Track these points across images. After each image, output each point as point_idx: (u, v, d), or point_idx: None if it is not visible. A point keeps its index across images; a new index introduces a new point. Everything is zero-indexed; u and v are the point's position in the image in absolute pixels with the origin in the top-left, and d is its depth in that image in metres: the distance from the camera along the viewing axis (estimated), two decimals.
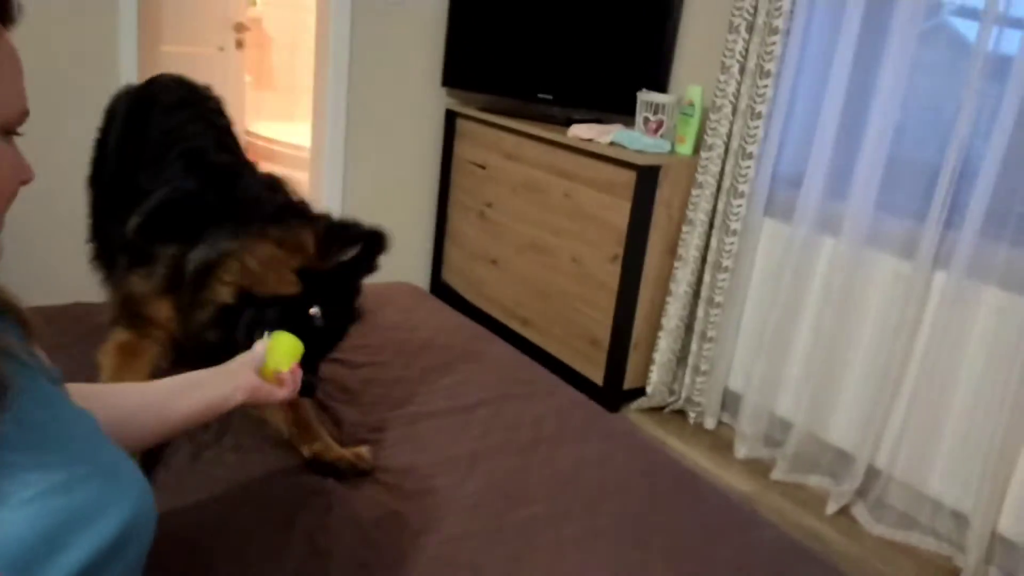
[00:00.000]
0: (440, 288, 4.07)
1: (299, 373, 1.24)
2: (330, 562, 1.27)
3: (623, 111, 3.21)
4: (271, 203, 1.48)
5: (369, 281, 1.44)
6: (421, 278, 4.12)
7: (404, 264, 4.05)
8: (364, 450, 1.56)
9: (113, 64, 3.14)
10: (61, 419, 0.77)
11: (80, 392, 0.99)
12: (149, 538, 0.80)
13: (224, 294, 1.33)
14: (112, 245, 1.63)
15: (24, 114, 0.76)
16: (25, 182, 0.78)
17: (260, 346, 1.23)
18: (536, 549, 1.36)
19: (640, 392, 3.18)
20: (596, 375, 3.13)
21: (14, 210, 0.78)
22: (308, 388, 1.29)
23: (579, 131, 3.14)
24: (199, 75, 1.96)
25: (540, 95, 3.53)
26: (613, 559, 1.37)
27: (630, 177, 2.90)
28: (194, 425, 1.13)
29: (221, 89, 1.96)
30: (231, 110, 1.93)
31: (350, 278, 1.43)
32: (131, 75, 3.10)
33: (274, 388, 1.18)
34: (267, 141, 4.79)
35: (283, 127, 5.00)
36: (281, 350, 1.22)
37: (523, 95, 3.61)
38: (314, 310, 1.34)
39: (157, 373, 1.43)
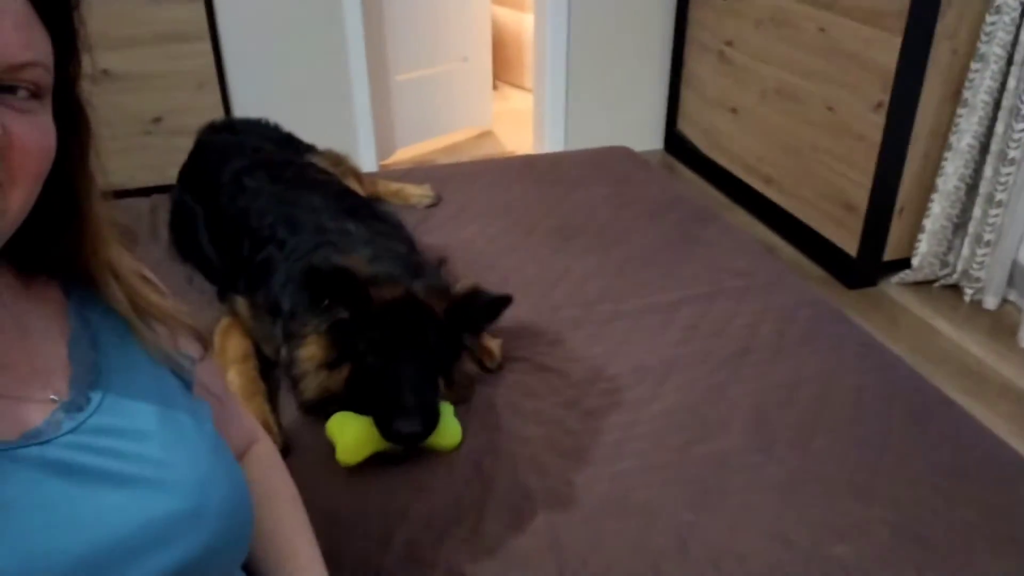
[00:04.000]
0: (675, 141, 3.72)
1: None
2: (491, 489, 1.17)
3: None
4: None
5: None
6: (655, 129, 3.79)
7: (635, 114, 3.74)
8: (495, 345, 1.44)
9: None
10: (152, 419, 0.69)
11: (260, 456, 0.94)
12: (237, 557, 0.73)
13: (332, 410, 1.29)
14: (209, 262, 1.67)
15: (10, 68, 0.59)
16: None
17: None
18: (725, 493, 1.16)
19: (904, 264, 2.72)
20: (850, 244, 2.71)
21: None
22: (407, 436, 1.17)
23: None
24: None
25: None
26: (821, 514, 1.12)
27: (903, 3, 2.34)
28: None
29: None
30: None
31: (370, 314, 1.27)
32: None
33: None
34: None
35: None
36: (340, 439, 1.19)
37: None
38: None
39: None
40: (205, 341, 0.80)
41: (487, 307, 1.32)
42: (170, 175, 1.90)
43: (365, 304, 1.24)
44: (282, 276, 1.39)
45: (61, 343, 0.68)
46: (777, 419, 1.30)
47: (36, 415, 0.63)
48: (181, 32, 2.96)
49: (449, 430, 1.23)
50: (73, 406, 0.64)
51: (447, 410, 1.25)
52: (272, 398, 1.35)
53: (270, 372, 1.40)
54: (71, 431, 0.63)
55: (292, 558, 0.87)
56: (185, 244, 1.72)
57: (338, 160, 1.92)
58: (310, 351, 1.28)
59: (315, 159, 1.85)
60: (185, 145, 1.84)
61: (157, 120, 3.05)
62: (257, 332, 1.43)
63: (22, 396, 0.63)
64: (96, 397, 0.66)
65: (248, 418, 0.97)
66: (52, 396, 0.64)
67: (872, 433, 1.27)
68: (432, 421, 1.19)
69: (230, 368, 1.36)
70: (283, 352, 1.33)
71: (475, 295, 1.32)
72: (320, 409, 1.27)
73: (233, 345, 1.41)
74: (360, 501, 1.14)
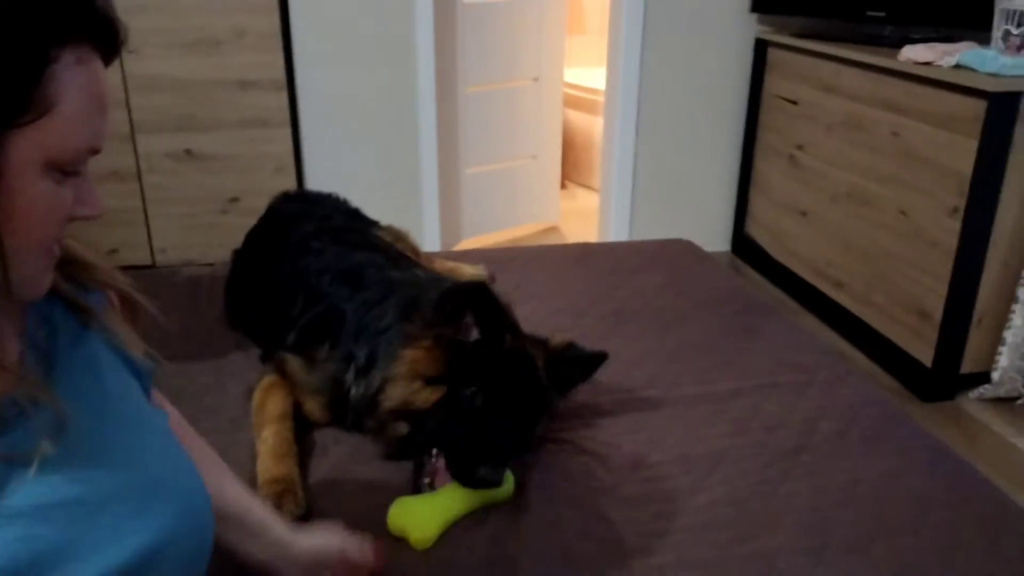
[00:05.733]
0: (743, 243, 3.67)
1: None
2: (515, 574, 1.09)
3: (975, 26, 2.55)
4: (395, 298, 1.40)
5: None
6: (722, 231, 3.75)
7: (703, 216, 3.71)
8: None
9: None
10: (106, 419, 0.67)
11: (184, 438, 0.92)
12: (196, 554, 0.69)
13: (400, 429, 1.26)
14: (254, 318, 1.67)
15: (92, 152, 0.65)
16: (86, 217, 0.67)
17: (352, 549, 1.03)
18: None
19: (983, 378, 2.56)
20: (924, 354, 2.57)
21: None
22: (486, 483, 1.15)
23: (914, 53, 2.55)
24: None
25: (869, 12, 2.95)
26: None
27: (978, 108, 2.28)
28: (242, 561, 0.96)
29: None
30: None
31: (491, 347, 1.26)
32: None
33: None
34: (575, 89, 4.66)
35: (592, 72, 4.84)
36: (412, 524, 1.13)
37: (849, 15, 3.06)
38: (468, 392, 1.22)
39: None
40: (137, 305, 0.80)
41: (583, 363, 1.33)
42: None
43: (498, 332, 1.23)
44: (352, 327, 1.38)
45: (13, 337, 0.68)
46: (832, 521, 1.20)
47: None
48: (264, 118, 3.10)
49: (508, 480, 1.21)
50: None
51: None
52: (303, 462, 1.31)
53: (302, 436, 1.37)
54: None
55: (249, 511, 0.94)
56: (239, 306, 1.74)
57: (399, 236, 1.95)
58: (416, 354, 1.23)
59: (379, 232, 1.88)
60: None
61: (234, 200, 3.16)
62: (309, 386, 1.41)
63: None
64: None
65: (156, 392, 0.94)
66: None
67: (938, 543, 1.15)
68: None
69: (267, 426, 1.34)
70: (355, 389, 1.30)
71: (571, 349, 1.33)
72: (392, 427, 1.25)
73: (273, 403, 1.39)
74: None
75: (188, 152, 3.05)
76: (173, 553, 0.66)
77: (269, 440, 1.30)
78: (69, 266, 0.73)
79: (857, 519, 1.20)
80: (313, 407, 1.40)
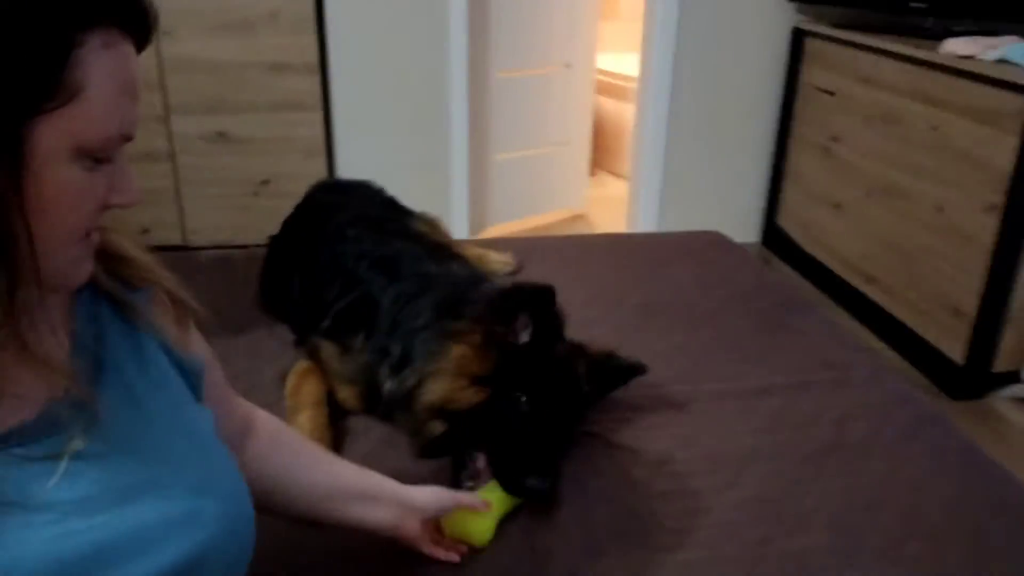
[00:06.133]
0: (774, 235, 3.63)
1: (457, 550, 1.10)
2: (542, 566, 1.10)
3: (1020, 19, 2.50)
4: (436, 293, 1.38)
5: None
6: (753, 222, 3.72)
7: (733, 206, 3.68)
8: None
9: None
10: (155, 421, 0.68)
11: (268, 430, 0.97)
12: (238, 560, 0.69)
13: (435, 428, 1.24)
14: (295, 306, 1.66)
15: (123, 139, 0.64)
16: (122, 205, 0.66)
17: (465, 498, 1.10)
18: None
19: (1015, 377, 2.52)
20: (956, 351, 2.54)
21: None
22: (535, 493, 1.14)
23: (956, 46, 2.50)
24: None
25: (912, 3, 2.90)
26: None
27: (1020, 104, 2.24)
28: (339, 527, 1.02)
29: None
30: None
31: (541, 352, 1.24)
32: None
33: (432, 543, 1.08)
34: (607, 75, 4.62)
35: (624, 58, 4.80)
36: (472, 526, 1.10)
37: (890, 6, 3.00)
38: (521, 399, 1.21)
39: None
40: (184, 304, 0.79)
41: (622, 373, 1.33)
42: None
43: (552, 339, 1.22)
44: (387, 320, 1.37)
45: (64, 337, 0.68)
46: (865, 522, 1.19)
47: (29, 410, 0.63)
48: (297, 101, 3.11)
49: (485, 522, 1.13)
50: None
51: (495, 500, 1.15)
52: (336, 448, 1.32)
53: (335, 422, 1.38)
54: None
55: (368, 481, 0.99)
56: (273, 291, 1.75)
57: (433, 224, 1.95)
58: (464, 351, 1.20)
59: (414, 221, 1.89)
60: (288, 208, 1.88)
61: (265, 183, 3.18)
62: (343, 375, 1.41)
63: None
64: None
65: (241, 399, 0.98)
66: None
67: (970, 547, 1.14)
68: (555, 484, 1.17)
69: (302, 411, 1.35)
70: (389, 383, 1.30)
71: (612, 359, 1.33)
72: (428, 425, 1.23)
73: (308, 389, 1.40)
74: (405, 572, 1.09)
75: (221, 134, 3.07)
76: (216, 558, 0.66)
77: (306, 426, 1.32)
78: (112, 262, 0.72)
79: (890, 520, 1.19)
80: (347, 395, 1.41)
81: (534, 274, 1.97)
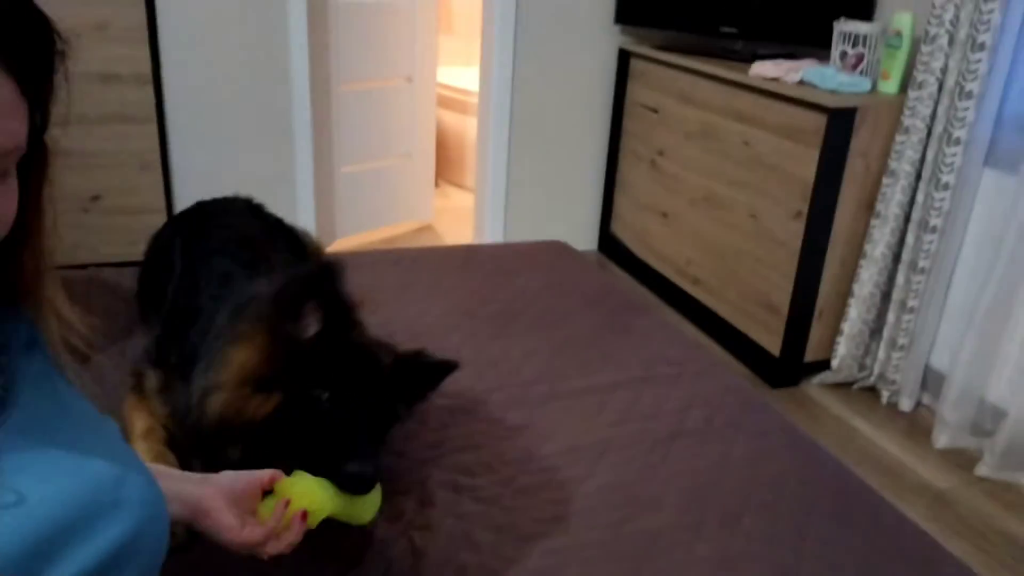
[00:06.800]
0: (609, 242, 3.86)
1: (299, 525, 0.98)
2: (422, 564, 1.16)
3: (817, 43, 2.81)
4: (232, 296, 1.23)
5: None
6: (590, 230, 3.93)
7: (572, 215, 3.88)
8: None
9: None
10: (73, 418, 0.69)
11: None
12: (156, 554, 0.72)
13: (232, 455, 1.10)
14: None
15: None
16: None
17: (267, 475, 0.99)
18: (656, 570, 1.18)
19: (824, 365, 2.84)
20: (773, 344, 2.82)
21: None
22: (358, 479, 1.02)
23: (763, 69, 2.78)
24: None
25: (723, 28, 3.18)
26: None
27: (819, 122, 2.53)
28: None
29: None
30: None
31: (336, 342, 1.11)
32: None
33: (246, 527, 0.93)
34: (447, 89, 4.72)
35: (462, 72, 4.92)
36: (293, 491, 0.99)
37: (704, 29, 3.28)
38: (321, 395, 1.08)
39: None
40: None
41: (431, 371, 1.24)
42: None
43: (344, 325, 1.08)
44: (195, 337, 1.22)
45: None
46: (707, 499, 1.33)
47: None
48: (129, 114, 2.99)
49: (369, 499, 1.08)
50: None
51: None
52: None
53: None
54: None
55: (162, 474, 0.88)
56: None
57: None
58: (244, 355, 1.05)
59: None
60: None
61: (96, 198, 3.02)
62: (167, 406, 1.27)
63: None
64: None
65: None
66: None
67: (798, 515, 1.31)
68: (379, 470, 1.05)
69: (136, 444, 1.26)
70: (195, 394, 1.12)
71: (420, 356, 1.22)
72: (207, 444, 1.10)
73: (137, 421, 1.30)
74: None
75: None
76: (136, 556, 0.68)
77: (146, 457, 1.20)
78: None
79: (727, 497, 1.34)
80: (167, 424, 1.27)
81: (392, 286, 2.02)
